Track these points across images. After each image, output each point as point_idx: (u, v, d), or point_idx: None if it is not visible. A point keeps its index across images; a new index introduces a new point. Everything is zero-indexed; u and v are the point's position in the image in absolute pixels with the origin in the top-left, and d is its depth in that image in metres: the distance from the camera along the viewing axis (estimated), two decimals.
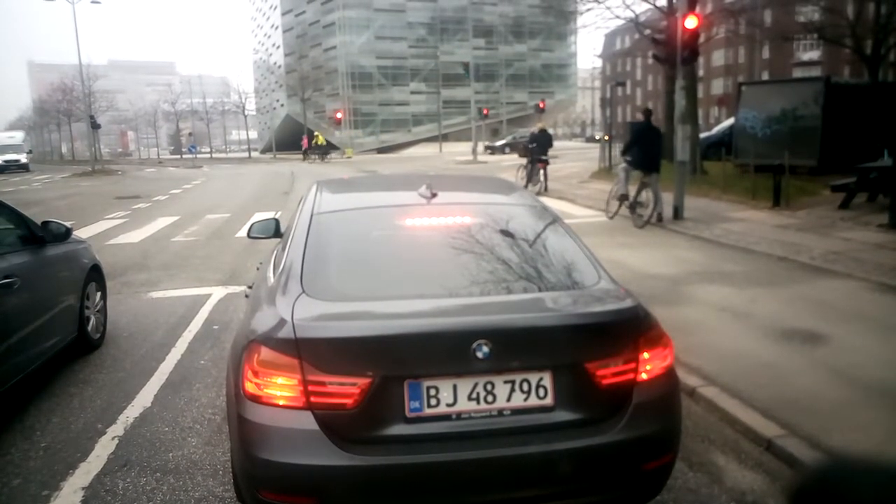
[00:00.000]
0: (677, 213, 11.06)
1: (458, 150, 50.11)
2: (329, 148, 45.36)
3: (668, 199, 11.05)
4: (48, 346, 4.47)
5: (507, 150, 45.43)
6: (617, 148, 18.74)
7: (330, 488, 2.23)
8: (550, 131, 19.34)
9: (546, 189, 16.66)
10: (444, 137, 62.74)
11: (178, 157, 68.62)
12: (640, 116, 11.36)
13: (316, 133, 47.23)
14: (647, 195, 10.78)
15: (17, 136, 54.23)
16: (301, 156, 47.50)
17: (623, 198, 11.21)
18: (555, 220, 3.22)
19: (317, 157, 44.62)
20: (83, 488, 3.22)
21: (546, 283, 2.70)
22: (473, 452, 2.22)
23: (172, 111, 76.75)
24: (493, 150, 47.13)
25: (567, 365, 2.35)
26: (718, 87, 60.41)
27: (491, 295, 2.60)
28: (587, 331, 2.43)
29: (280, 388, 2.24)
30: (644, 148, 10.84)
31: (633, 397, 2.40)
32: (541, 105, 33.33)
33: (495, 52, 76.67)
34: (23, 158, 45.54)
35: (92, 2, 37.43)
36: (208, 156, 67.37)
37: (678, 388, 2.64)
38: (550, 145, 17.70)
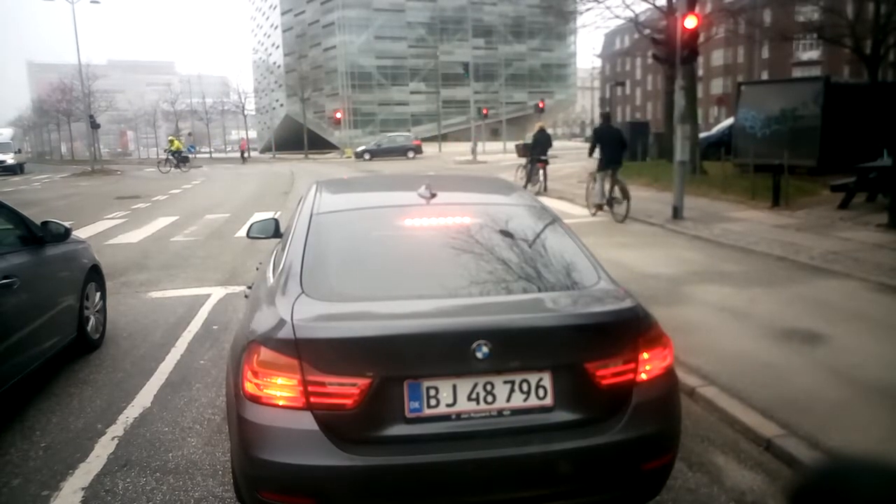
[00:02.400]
0: (677, 213, 11.06)
1: (458, 150, 50.00)
2: (187, 156, 35.91)
3: (667, 198, 11.07)
4: (48, 346, 4.47)
5: (367, 156, 40.41)
6: None
7: (329, 489, 2.23)
8: (549, 131, 19.30)
9: (545, 189, 16.64)
10: (444, 137, 62.61)
11: None
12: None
13: (171, 137, 38.97)
14: (618, 190, 11.51)
15: (5, 134, 44.39)
16: (164, 164, 35.92)
17: (601, 206, 12.10)
18: (554, 220, 3.22)
19: (172, 165, 35.31)
20: (83, 488, 3.22)
21: (545, 284, 2.70)
22: (473, 453, 2.22)
23: (172, 111, 76.55)
24: (357, 155, 41.76)
25: (567, 365, 2.35)
26: (718, 86, 60.34)
27: (490, 295, 2.60)
28: (587, 331, 2.43)
29: (280, 388, 2.24)
30: (605, 147, 11.85)
31: (632, 397, 2.40)
32: (540, 105, 33.43)
33: (495, 52, 76.58)
34: (9, 159, 38.53)
35: (91, 2, 37.39)
36: (208, 156, 67.26)
37: (678, 389, 2.64)
38: (550, 145, 17.66)
